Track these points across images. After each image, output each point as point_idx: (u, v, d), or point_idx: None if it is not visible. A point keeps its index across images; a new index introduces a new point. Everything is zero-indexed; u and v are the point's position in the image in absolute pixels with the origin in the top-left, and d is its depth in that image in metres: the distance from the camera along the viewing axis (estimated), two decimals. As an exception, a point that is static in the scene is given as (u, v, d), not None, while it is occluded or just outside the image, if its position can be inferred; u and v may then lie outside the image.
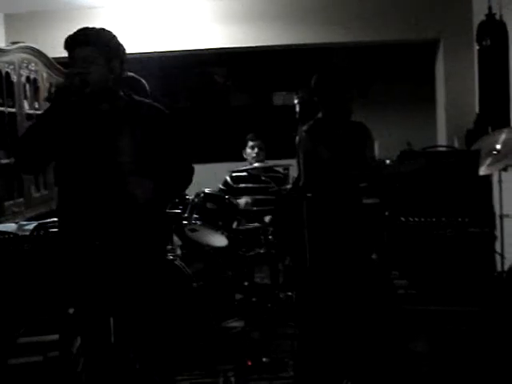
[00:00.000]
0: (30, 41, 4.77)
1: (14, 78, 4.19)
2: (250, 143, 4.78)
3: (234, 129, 6.79)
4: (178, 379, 3.40)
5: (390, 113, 7.42)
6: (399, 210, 3.73)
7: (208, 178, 4.45)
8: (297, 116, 2.74)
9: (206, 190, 4.13)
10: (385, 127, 6.96)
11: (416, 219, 3.68)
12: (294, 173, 3.91)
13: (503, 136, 4.15)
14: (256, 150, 4.74)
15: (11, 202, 4.05)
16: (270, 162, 4.84)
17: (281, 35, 5.69)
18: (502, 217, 4.21)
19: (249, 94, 7.97)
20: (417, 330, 3.53)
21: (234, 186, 4.75)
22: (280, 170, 4.90)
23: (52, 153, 2.50)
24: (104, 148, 2.52)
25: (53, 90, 2.48)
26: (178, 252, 4.44)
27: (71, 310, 3.38)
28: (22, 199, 4.22)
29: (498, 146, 4.11)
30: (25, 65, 4.40)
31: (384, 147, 5.97)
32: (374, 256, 3.76)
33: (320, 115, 3.27)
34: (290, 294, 4.25)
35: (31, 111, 4.50)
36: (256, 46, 5.79)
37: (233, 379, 3.50)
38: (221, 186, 4.78)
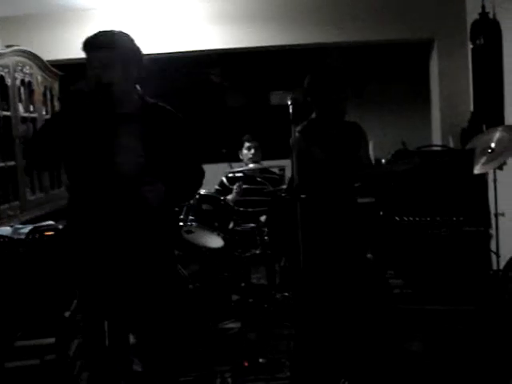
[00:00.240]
0: (25, 44, 4.76)
1: (9, 81, 4.19)
2: (246, 144, 4.79)
3: (231, 129, 6.78)
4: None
5: (385, 113, 7.45)
6: (394, 209, 3.74)
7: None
8: (290, 117, 2.73)
9: (202, 191, 4.12)
10: (380, 127, 7.00)
11: (411, 218, 3.69)
12: (289, 173, 3.92)
13: (497, 134, 4.16)
14: (252, 150, 4.76)
15: (6, 205, 4.04)
16: (266, 163, 4.85)
17: (275, 36, 5.70)
18: (497, 215, 4.22)
19: (245, 94, 7.97)
20: (412, 330, 3.54)
21: (230, 186, 4.75)
22: (276, 170, 4.91)
23: (63, 152, 2.52)
24: (116, 150, 2.51)
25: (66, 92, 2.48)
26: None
27: (67, 314, 3.39)
28: (17, 202, 4.21)
29: (493, 145, 4.12)
30: (19, 68, 4.40)
31: (379, 147, 5.98)
32: (369, 255, 3.77)
33: (314, 116, 3.27)
34: (286, 294, 4.25)
35: (26, 114, 4.49)
36: (250, 47, 5.79)
37: (230, 380, 3.50)
38: (216, 187, 4.79)
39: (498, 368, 3.20)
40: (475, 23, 4.98)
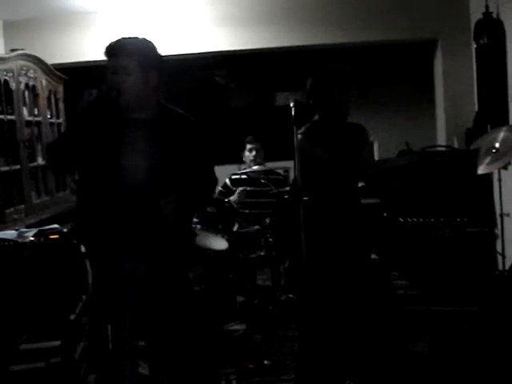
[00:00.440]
0: (29, 47, 4.78)
1: (13, 85, 4.20)
2: (248, 146, 4.80)
3: (236, 131, 6.78)
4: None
5: (390, 113, 7.43)
6: (398, 210, 3.73)
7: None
8: (292, 119, 2.73)
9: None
10: (385, 128, 6.99)
11: (415, 219, 3.68)
12: (293, 175, 3.92)
13: (502, 134, 4.15)
14: (254, 152, 4.76)
15: (11, 208, 4.05)
16: (271, 165, 4.85)
17: (279, 38, 5.70)
18: (502, 216, 4.20)
19: (250, 95, 7.97)
20: (417, 331, 3.53)
21: (234, 188, 4.75)
22: (280, 172, 4.91)
23: (82, 158, 2.54)
24: (133, 154, 2.54)
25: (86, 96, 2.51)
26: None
27: (72, 317, 3.41)
28: (22, 206, 4.22)
29: (497, 145, 4.11)
30: (24, 72, 4.42)
31: (384, 148, 5.98)
32: (374, 256, 3.76)
33: (316, 117, 3.27)
34: (291, 296, 4.25)
35: (30, 118, 4.51)
36: (255, 49, 5.79)
37: (235, 382, 3.50)
38: (220, 189, 4.79)
39: (504, 369, 3.19)
40: (479, 23, 4.96)
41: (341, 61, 6.54)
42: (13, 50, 4.47)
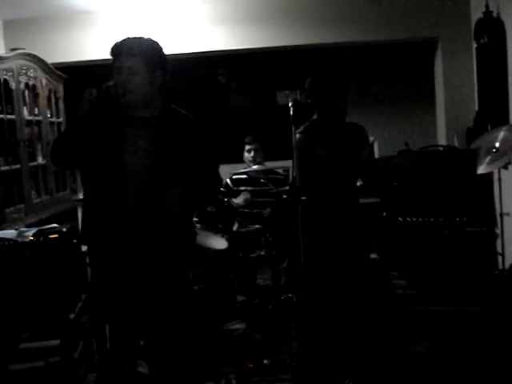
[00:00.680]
0: (29, 47, 4.78)
1: (13, 84, 4.20)
2: (247, 146, 4.81)
3: (237, 130, 6.79)
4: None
5: (390, 113, 7.43)
6: (397, 210, 3.73)
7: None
8: (291, 119, 2.74)
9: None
10: (385, 127, 6.99)
11: (414, 219, 3.68)
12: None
13: (502, 134, 4.14)
14: (252, 153, 4.77)
15: (11, 208, 4.05)
16: (271, 164, 4.85)
17: (276, 37, 5.70)
18: (502, 215, 4.20)
19: (251, 94, 7.97)
20: (417, 330, 3.53)
21: (234, 188, 4.76)
22: (280, 171, 4.91)
23: (85, 154, 2.56)
24: (136, 152, 2.56)
25: (88, 94, 2.54)
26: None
27: (72, 316, 3.41)
28: (22, 205, 4.22)
29: (497, 144, 4.09)
30: (23, 71, 4.41)
31: (385, 147, 5.97)
32: (373, 256, 3.76)
33: (315, 117, 3.27)
34: (291, 295, 4.25)
35: (31, 117, 4.51)
36: (252, 48, 5.80)
37: (234, 381, 3.50)
38: (221, 189, 4.79)
39: (503, 368, 3.19)
40: (479, 22, 4.96)
41: (341, 60, 6.58)
42: (13, 50, 4.47)
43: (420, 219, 3.67)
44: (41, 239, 3.33)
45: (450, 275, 3.61)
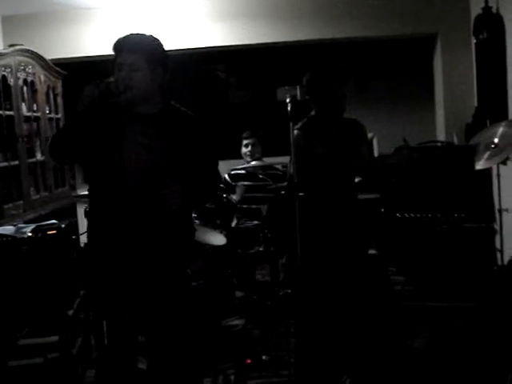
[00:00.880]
0: (28, 43, 4.77)
1: (12, 80, 4.20)
2: (245, 141, 4.80)
3: (236, 126, 6.78)
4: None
5: (389, 108, 7.42)
6: (395, 206, 3.73)
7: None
8: (289, 115, 2.74)
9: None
10: (384, 123, 6.98)
11: (412, 215, 3.68)
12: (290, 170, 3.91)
13: (501, 129, 4.14)
14: (250, 147, 4.76)
15: (10, 204, 4.05)
16: (270, 160, 4.84)
17: (276, 33, 5.70)
18: (500, 211, 4.20)
19: (251, 89, 7.96)
20: (415, 326, 3.54)
21: (233, 183, 4.75)
22: (279, 167, 4.91)
23: (84, 149, 2.56)
24: (136, 149, 2.57)
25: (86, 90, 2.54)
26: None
27: (71, 312, 3.41)
28: (21, 201, 4.22)
29: (496, 140, 4.10)
30: (22, 67, 4.41)
31: (384, 143, 5.96)
32: (372, 252, 3.76)
33: (313, 113, 3.26)
34: (289, 291, 4.25)
35: (29, 114, 4.50)
36: (251, 44, 5.78)
37: (233, 377, 3.51)
38: (220, 185, 4.79)
39: (500, 364, 3.19)
40: (478, 18, 4.95)
41: (340, 56, 6.57)
42: (11, 46, 4.46)
43: (418, 215, 3.68)
44: (39, 235, 3.32)
45: (449, 271, 3.61)
